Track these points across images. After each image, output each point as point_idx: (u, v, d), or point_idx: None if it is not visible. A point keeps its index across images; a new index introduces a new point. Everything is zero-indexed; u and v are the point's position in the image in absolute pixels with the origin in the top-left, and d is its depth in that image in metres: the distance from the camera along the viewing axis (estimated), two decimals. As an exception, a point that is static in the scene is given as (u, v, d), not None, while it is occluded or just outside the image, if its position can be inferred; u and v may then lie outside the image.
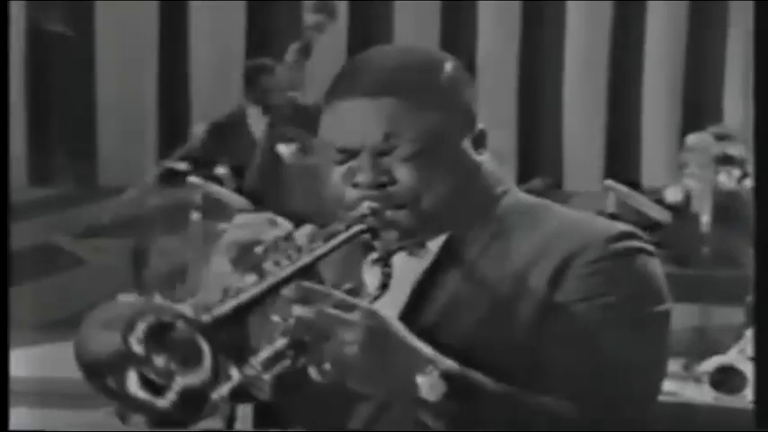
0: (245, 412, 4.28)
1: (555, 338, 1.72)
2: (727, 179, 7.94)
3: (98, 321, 1.54)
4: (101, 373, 1.53)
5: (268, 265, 1.65)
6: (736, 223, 7.69)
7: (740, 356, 3.72)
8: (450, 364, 1.64)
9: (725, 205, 7.73)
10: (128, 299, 1.57)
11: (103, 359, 1.52)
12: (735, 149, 8.12)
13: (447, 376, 1.62)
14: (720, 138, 8.19)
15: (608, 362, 1.71)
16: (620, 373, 1.71)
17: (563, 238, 1.76)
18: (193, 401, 1.53)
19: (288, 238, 1.70)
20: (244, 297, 1.58)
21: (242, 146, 6.93)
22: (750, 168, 8.06)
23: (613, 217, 5.91)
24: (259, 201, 6.72)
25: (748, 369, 3.63)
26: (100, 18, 10.02)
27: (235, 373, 1.54)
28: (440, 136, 1.77)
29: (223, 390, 1.53)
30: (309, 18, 6.61)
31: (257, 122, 7.01)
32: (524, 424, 1.67)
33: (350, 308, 1.60)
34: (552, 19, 10.48)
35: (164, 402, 1.53)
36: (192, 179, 6.12)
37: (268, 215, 1.74)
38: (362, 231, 1.74)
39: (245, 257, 1.68)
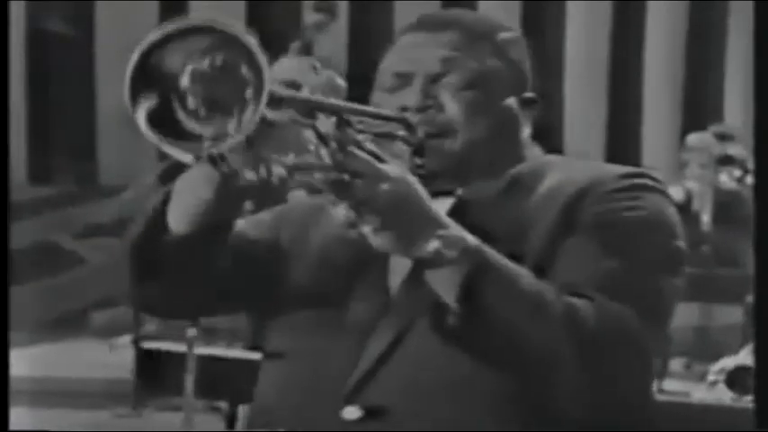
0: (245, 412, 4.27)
1: (570, 254, 1.75)
2: (727, 179, 7.95)
3: (179, 38, 1.61)
4: (138, 81, 1.61)
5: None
6: (737, 223, 7.69)
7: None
8: (467, 235, 1.68)
9: (725, 205, 7.73)
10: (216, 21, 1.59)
11: (151, 72, 1.60)
12: (735, 149, 8.13)
13: (465, 243, 1.66)
14: (721, 137, 8.19)
15: (626, 275, 1.73)
16: (639, 289, 1.73)
17: (576, 177, 1.82)
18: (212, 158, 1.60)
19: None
20: (307, 96, 1.68)
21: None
22: (749, 167, 8.07)
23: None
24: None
25: None
26: (100, 17, 10.02)
27: (262, 168, 1.60)
28: (490, 78, 1.87)
29: (252, 173, 1.60)
30: (310, 17, 6.61)
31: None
32: (538, 307, 1.67)
33: (381, 160, 1.67)
34: (552, 19, 10.48)
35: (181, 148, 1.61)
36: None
37: (311, 61, 1.84)
38: (404, 121, 1.82)
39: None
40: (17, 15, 9.19)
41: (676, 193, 7.86)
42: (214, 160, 1.64)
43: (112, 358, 6.98)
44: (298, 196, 2.01)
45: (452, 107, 1.85)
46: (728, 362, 3.69)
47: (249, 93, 1.55)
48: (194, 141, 1.60)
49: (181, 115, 1.60)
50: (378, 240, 1.66)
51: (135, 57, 1.61)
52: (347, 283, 1.84)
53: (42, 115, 10.00)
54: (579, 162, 1.92)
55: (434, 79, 1.86)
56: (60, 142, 10.17)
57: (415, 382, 1.74)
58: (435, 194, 1.76)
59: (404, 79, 1.87)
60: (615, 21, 10.50)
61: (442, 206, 1.79)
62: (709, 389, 3.59)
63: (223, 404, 4.72)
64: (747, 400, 3.54)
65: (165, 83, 1.61)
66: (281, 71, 1.71)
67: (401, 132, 1.84)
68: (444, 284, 1.68)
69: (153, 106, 1.61)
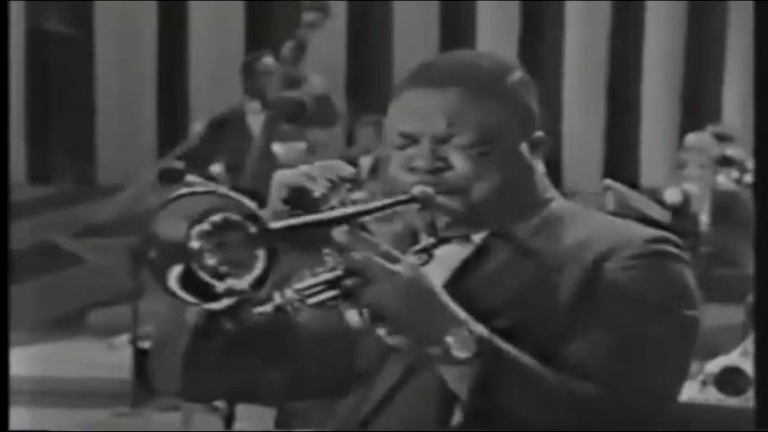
0: (242, 412, 4.29)
1: (587, 322, 1.76)
2: (725, 180, 7.95)
3: (173, 210, 1.62)
4: (153, 259, 1.62)
5: (322, 210, 1.74)
6: (735, 223, 7.69)
7: (744, 357, 3.71)
8: (480, 328, 1.69)
9: (724, 205, 7.74)
10: (208, 186, 1.64)
11: (159, 246, 1.62)
12: (734, 151, 8.13)
13: (478, 340, 1.67)
14: (720, 138, 8.19)
15: (636, 351, 1.75)
16: (647, 366, 1.75)
17: (604, 236, 1.83)
18: (239, 306, 1.62)
19: (346, 183, 1.80)
20: (309, 218, 1.70)
21: (240, 144, 6.92)
22: (748, 168, 8.07)
23: (612, 216, 5.91)
24: (256, 198, 6.72)
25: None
26: (99, 17, 10.01)
27: (276, 296, 1.62)
28: (498, 132, 1.85)
29: (266, 306, 1.62)
30: (305, 16, 6.63)
31: (256, 119, 7.01)
32: (545, 397, 1.69)
33: (394, 260, 1.68)
34: (551, 18, 10.48)
35: (214, 305, 1.62)
36: (191, 178, 6.12)
37: (332, 163, 1.83)
38: (415, 200, 1.81)
39: (300, 199, 1.77)
40: (16, 15, 9.19)
41: (674, 194, 7.87)
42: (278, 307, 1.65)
43: (111, 358, 6.98)
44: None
45: (463, 167, 1.84)
46: (720, 362, 3.69)
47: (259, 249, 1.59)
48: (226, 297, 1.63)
49: (205, 277, 1.62)
50: (393, 341, 1.67)
51: (147, 249, 1.64)
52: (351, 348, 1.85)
53: (41, 115, 9.99)
54: (600, 217, 1.91)
55: (442, 140, 1.85)
56: (59, 142, 10.16)
57: (418, 420, 1.76)
58: (451, 238, 1.81)
59: (411, 139, 1.86)
60: (614, 20, 10.50)
61: (460, 252, 1.83)
62: (700, 389, 3.60)
63: (221, 404, 4.72)
64: (739, 400, 3.55)
65: (178, 252, 1.62)
66: (284, 174, 1.71)
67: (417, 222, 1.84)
68: (457, 379, 1.69)
69: (181, 275, 1.62)
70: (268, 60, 7.04)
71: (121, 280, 6.94)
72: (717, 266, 7.53)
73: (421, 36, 10.24)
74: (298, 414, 1.88)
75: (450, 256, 1.86)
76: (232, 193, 1.61)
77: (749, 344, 3.77)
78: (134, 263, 6.22)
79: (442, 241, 1.85)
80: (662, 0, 10.53)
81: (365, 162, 8.15)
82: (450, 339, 1.66)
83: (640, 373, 1.74)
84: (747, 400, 3.48)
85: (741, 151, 8.18)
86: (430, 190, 1.82)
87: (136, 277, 6.31)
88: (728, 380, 3.61)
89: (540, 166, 1.91)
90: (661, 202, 7.21)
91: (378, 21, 10.32)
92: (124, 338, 6.87)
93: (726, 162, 8.06)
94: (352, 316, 1.65)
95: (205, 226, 1.61)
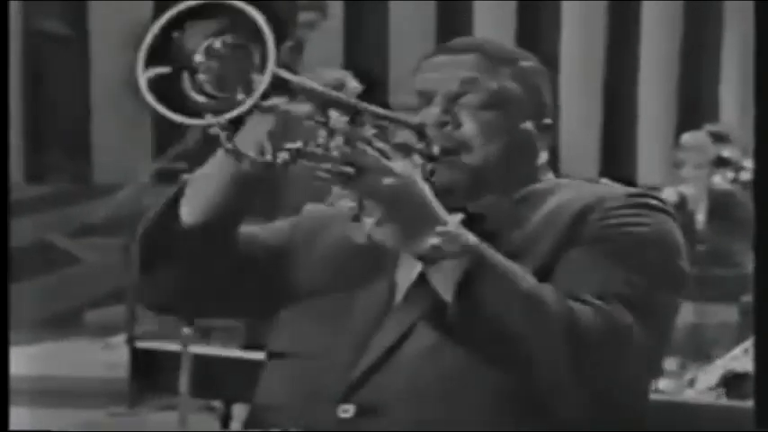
0: (240, 412, 4.27)
1: (574, 260, 1.79)
2: (722, 180, 7.96)
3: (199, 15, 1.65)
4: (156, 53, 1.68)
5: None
6: (731, 222, 7.69)
7: (747, 359, 3.71)
8: (467, 233, 1.72)
9: (720, 205, 7.74)
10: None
11: (170, 47, 1.67)
12: (730, 152, 8.14)
13: (462, 241, 1.70)
14: (716, 138, 8.19)
15: (626, 280, 1.76)
16: (638, 293, 1.76)
17: (587, 193, 1.88)
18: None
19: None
20: (312, 83, 1.72)
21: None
22: (743, 168, 8.08)
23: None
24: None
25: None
26: (95, 17, 10.01)
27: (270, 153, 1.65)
28: (508, 102, 1.93)
29: (259, 157, 1.67)
30: (301, 16, 6.64)
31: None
32: (531, 304, 1.70)
33: (389, 158, 1.72)
34: (548, 17, 10.48)
35: (178, 117, 1.71)
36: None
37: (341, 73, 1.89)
38: (419, 127, 1.87)
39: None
40: (13, 15, 9.18)
41: (670, 194, 7.87)
42: (235, 152, 1.71)
43: (107, 357, 6.97)
44: (311, 209, 2.04)
45: (470, 125, 1.90)
46: (727, 365, 3.69)
47: (255, 75, 1.61)
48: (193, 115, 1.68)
49: (187, 87, 1.68)
50: (379, 233, 1.69)
51: (156, 28, 1.70)
52: (353, 285, 1.87)
53: (37, 114, 9.98)
54: (589, 183, 1.97)
55: (454, 98, 1.92)
56: (55, 141, 10.16)
57: (413, 380, 1.76)
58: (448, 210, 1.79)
59: (425, 98, 1.93)
60: (610, 20, 10.51)
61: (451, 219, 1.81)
62: (700, 392, 3.59)
63: (218, 403, 4.72)
64: (742, 401, 3.54)
65: (180, 57, 1.68)
66: (322, 76, 1.73)
67: (417, 145, 1.87)
68: (443, 281, 1.71)
69: (163, 75, 1.69)
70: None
71: (118, 279, 6.94)
72: (713, 266, 7.54)
73: (417, 36, 10.24)
74: (270, 408, 1.87)
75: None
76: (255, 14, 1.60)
77: (749, 344, 3.77)
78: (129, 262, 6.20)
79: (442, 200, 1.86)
80: (658, 0, 10.54)
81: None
82: (437, 236, 1.69)
83: (632, 304, 1.74)
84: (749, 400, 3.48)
85: (737, 152, 8.18)
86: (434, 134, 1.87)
87: (131, 277, 6.30)
88: (737, 385, 3.60)
89: (543, 153, 1.97)
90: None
91: (374, 21, 10.32)
92: (120, 338, 6.87)
93: (722, 163, 8.06)
94: (344, 201, 1.69)
95: (217, 44, 1.65)
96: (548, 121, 1.99)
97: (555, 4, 10.47)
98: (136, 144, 9.77)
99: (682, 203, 7.81)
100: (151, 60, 1.71)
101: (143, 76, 1.65)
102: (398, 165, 1.72)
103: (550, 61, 10.50)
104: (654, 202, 1.87)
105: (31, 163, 10.02)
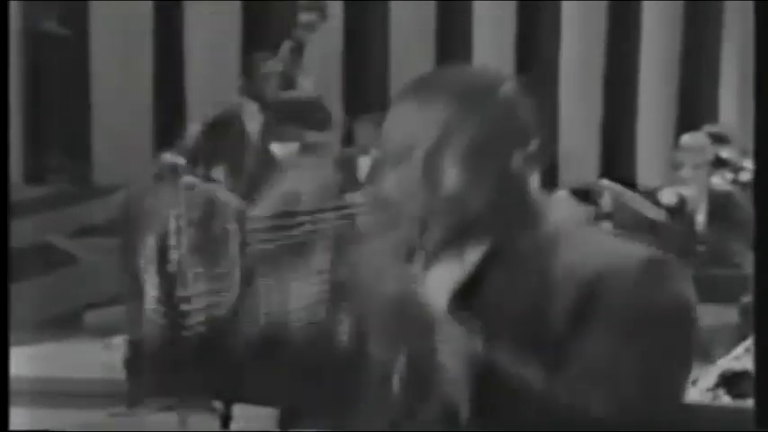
0: (240, 412, 4.27)
1: (586, 340, 1.75)
2: (721, 181, 7.96)
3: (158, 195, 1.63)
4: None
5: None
6: (731, 223, 7.70)
7: (748, 358, 3.71)
8: (474, 343, 1.69)
9: (719, 206, 7.74)
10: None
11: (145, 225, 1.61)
12: (728, 153, 8.14)
13: (472, 352, 1.67)
14: (715, 139, 8.20)
15: (636, 365, 1.75)
16: (646, 380, 1.75)
17: (600, 256, 1.81)
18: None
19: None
20: (286, 216, 1.73)
21: (237, 144, 6.93)
22: (742, 169, 8.08)
23: (608, 216, 5.93)
24: (253, 200, 6.71)
25: None
26: (94, 17, 10.00)
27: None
28: (490, 143, 1.82)
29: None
30: (301, 17, 6.64)
31: (252, 120, 7.01)
32: (545, 407, 1.69)
33: (386, 273, 1.68)
34: (548, 18, 10.48)
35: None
36: (187, 179, 6.12)
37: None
38: (406, 207, 1.81)
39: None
40: (13, 15, 9.18)
41: (669, 196, 7.87)
42: None
43: (107, 358, 6.97)
44: None
45: (454, 180, 1.81)
46: (728, 365, 3.69)
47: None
48: None
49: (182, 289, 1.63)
50: (381, 352, 1.68)
51: None
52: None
53: (37, 115, 9.98)
54: (596, 234, 1.90)
55: (433, 151, 1.81)
56: (55, 142, 10.16)
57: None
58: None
59: (403, 152, 1.83)
60: (610, 20, 10.51)
61: (456, 272, 1.81)
62: (701, 393, 3.59)
63: (218, 404, 4.72)
64: (742, 401, 3.54)
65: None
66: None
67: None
68: (454, 392, 1.68)
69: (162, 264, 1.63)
70: (270, 63, 7.04)
71: (117, 280, 6.93)
72: (712, 266, 7.54)
73: (418, 36, 10.24)
74: (302, 414, 1.87)
75: (444, 276, 1.83)
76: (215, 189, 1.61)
77: (749, 344, 3.77)
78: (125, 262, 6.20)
79: (435, 259, 1.83)
80: (658, 0, 10.54)
81: (364, 162, 8.15)
82: (441, 348, 1.66)
83: (640, 386, 1.74)
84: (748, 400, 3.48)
85: (736, 152, 8.19)
86: (423, 201, 1.80)
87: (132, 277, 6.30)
88: (739, 384, 3.60)
89: (534, 180, 1.88)
90: (657, 204, 7.22)
91: (374, 20, 10.32)
92: (120, 339, 6.86)
93: (721, 164, 8.07)
94: (342, 328, 1.65)
95: (183, 221, 1.62)
96: (533, 145, 1.87)
97: (555, 4, 10.47)
98: (135, 145, 9.77)
99: (681, 204, 7.81)
100: None
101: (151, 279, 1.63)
102: (396, 279, 1.67)
103: (550, 62, 10.51)
104: (668, 266, 1.82)
105: (31, 164, 10.02)
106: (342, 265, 1.68)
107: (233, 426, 4.06)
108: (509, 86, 1.88)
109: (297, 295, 1.66)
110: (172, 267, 1.63)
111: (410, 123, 1.83)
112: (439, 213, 1.81)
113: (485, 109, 1.83)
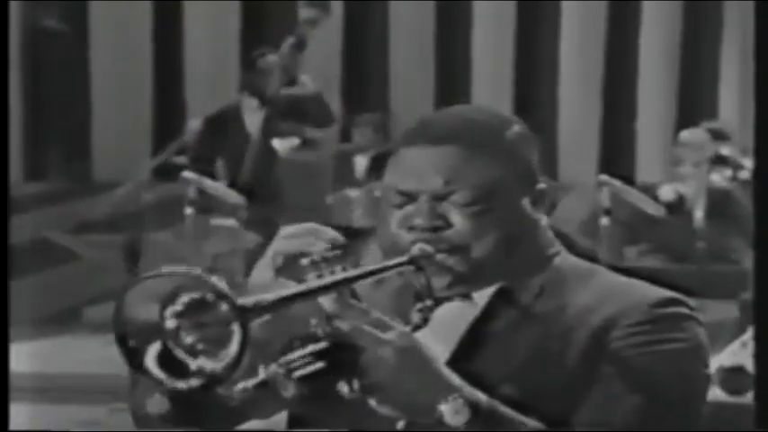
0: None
1: (595, 390, 1.75)
2: (720, 178, 7.97)
3: (141, 291, 1.58)
4: (128, 341, 1.58)
5: (310, 277, 1.70)
6: (729, 220, 7.71)
7: (744, 354, 3.71)
8: (479, 395, 1.67)
9: (718, 202, 7.75)
10: (177, 270, 1.58)
11: (134, 328, 1.58)
12: (728, 150, 8.15)
13: (475, 407, 1.66)
14: (715, 135, 8.21)
15: (646, 418, 1.74)
16: (657, 421, 1.75)
17: (609, 301, 1.80)
18: (211, 385, 1.57)
19: (335, 250, 1.75)
20: (285, 292, 1.64)
21: (237, 140, 6.93)
22: (742, 166, 8.09)
23: (608, 212, 5.93)
24: (253, 195, 6.72)
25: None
26: (94, 13, 10.01)
27: (261, 370, 1.59)
28: (497, 188, 1.82)
29: (249, 382, 1.59)
30: (303, 13, 6.63)
31: (252, 116, 7.00)
32: None
33: (385, 328, 1.65)
34: (548, 13, 10.48)
35: (182, 384, 1.58)
36: (186, 174, 6.11)
37: (314, 226, 1.78)
38: (409, 262, 1.78)
39: (290, 268, 1.74)
40: (13, 12, 9.18)
41: (668, 192, 7.88)
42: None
43: (108, 354, 6.98)
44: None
45: (462, 225, 1.80)
46: (722, 360, 3.69)
47: (233, 324, 1.55)
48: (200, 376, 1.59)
49: (181, 355, 1.59)
50: (384, 410, 1.65)
51: (117, 330, 1.60)
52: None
53: (37, 112, 9.99)
54: (605, 278, 1.87)
55: (440, 198, 1.81)
56: (54, 139, 10.17)
57: None
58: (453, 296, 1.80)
59: (409, 197, 1.83)
60: (610, 16, 10.51)
61: (463, 314, 1.81)
62: None
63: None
64: (740, 398, 3.55)
65: (153, 333, 1.59)
66: (282, 243, 1.68)
67: (415, 275, 1.80)
68: None
69: (158, 354, 1.60)
70: (271, 58, 7.03)
71: (117, 276, 6.94)
72: (712, 263, 7.55)
73: (415, 33, 10.24)
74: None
75: (453, 317, 1.83)
76: (197, 272, 1.57)
77: (746, 339, 3.78)
78: (128, 259, 6.21)
79: (443, 300, 1.82)
80: (658, -3, 10.55)
81: (361, 161, 8.15)
82: (443, 407, 1.64)
83: (662, 428, 1.74)
84: (747, 397, 3.48)
85: (735, 150, 8.20)
86: (429, 248, 1.79)
87: (130, 273, 6.31)
88: (732, 379, 3.61)
89: (542, 220, 1.87)
90: (656, 200, 7.23)
91: (374, 17, 10.32)
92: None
93: (720, 160, 8.08)
94: (342, 386, 1.63)
95: (177, 306, 1.57)
96: (540, 187, 1.87)
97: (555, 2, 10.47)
98: (135, 141, 9.78)
99: (680, 201, 7.82)
100: (139, 349, 1.61)
101: (149, 362, 1.59)
102: (397, 336, 1.64)
103: (550, 58, 10.51)
104: (678, 310, 1.80)
105: (30, 161, 10.03)
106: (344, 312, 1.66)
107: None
108: (514, 129, 1.88)
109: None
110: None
111: (416, 168, 1.83)
112: (445, 258, 1.80)
113: (490, 153, 1.83)
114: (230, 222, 6.85)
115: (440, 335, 1.78)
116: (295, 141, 7.09)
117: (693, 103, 10.46)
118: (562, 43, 10.52)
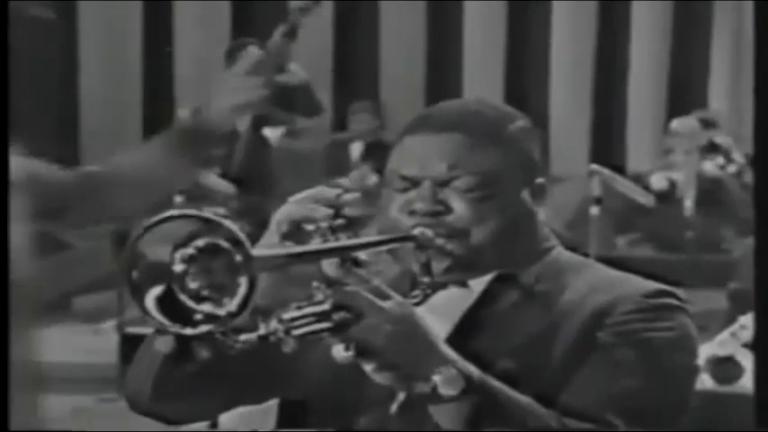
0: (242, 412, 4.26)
1: (586, 373, 1.78)
2: (711, 167, 7.98)
3: (159, 232, 1.59)
4: (132, 277, 1.59)
5: (316, 242, 1.73)
6: (720, 209, 7.72)
7: (733, 343, 3.72)
8: (472, 368, 1.69)
9: (709, 191, 7.77)
10: (200, 212, 1.58)
11: (144, 266, 1.59)
12: (719, 138, 8.16)
13: (468, 379, 1.67)
14: (705, 124, 8.22)
15: (635, 402, 1.76)
16: (645, 416, 1.76)
17: (603, 290, 1.84)
18: (214, 330, 1.59)
19: (338, 218, 1.78)
20: (294, 249, 1.69)
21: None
22: (734, 155, 8.10)
23: (598, 201, 5.93)
24: (244, 185, 6.71)
25: (745, 358, 3.65)
26: (83, 5, 9.98)
27: (262, 326, 1.61)
28: (499, 177, 1.86)
29: (251, 335, 1.60)
30: (295, 1, 6.61)
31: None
32: None
33: (385, 296, 1.67)
34: (539, 5, 10.48)
35: (189, 330, 1.59)
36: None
37: (320, 191, 1.81)
38: (410, 237, 1.82)
39: (295, 234, 1.76)
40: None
41: (659, 181, 7.89)
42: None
43: (97, 343, 6.97)
44: None
45: (462, 210, 1.84)
46: (711, 350, 3.70)
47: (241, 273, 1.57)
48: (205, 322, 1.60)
49: (184, 299, 1.60)
50: (380, 377, 1.66)
51: (125, 262, 1.61)
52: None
53: (24, 102, 9.96)
54: (600, 270, 1.91)
55: (442, 184, 1.85)
56: (42, 129, 10.14)
57: None
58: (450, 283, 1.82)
59: (411, 182, 1.86)
60: (601, 6, 10.51)
61: (460, 299, 1.83)
62: None
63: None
64: (732, 387, 3.56)
65: (160, 274, 1.60)
66: (289, 208, 1.70)
67: (416, 267, 1.82)
68: (447, 419, 1.69)
69: (160, 295, 1.60)
70: (252, 49, 7.01)
71: (107, 265, 6.93)
72: (701, 252, 7.56)
73: (406, 27, 10.24)
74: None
75: (450, 302, 1.86)
76: (216, 217, 1.58)
77: (735, 329, 3.79)
78: (118, 247, 6.19)
79: (440, 286, 1.85)
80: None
81: (356, 148, 8.15)
82: (437, 377, 1.65)
83: (638, 422, 1.75)
84: (741, 386, 3.50)
85: (727, 138, 8.21)
86: (429, 231, 1.82)
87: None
88: (722, 369, 3.62)
89: (541, 214, 1.92)
90: (647, 188, 7.24)
91: (365, 6, 10.30)
92: (110, 324, 6.87)
93: (712, 149, 8.09)
94: (339, 350, 1.64)
95: (189, 250, 1.59)
96: (540, 181, 1.92)
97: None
98: (124, 131, 9.76)
99: (671, 190, 7.83)
100: (142, 288, 1.60)
101: (147, 303, 1.59)
102: (395, 305, 1.67)
103: (541, 47, 10.50)
104: (669, 301, 1.84)
105: (18, 149, 10.00)
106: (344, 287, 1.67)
107: (220, 427, 4.06)
108: (518, 123, 1.92)
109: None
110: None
111: (419, 154, 1.87)
112: (445, 242, 1.83)
113: (493, 142, 1.87)
114: (220, 212, 6.85)
115: (436, 320, 1.79)
116: (283, 131, 7.08)
117: (684, 92, 10.47)
118: (553, 33, 10.52)
